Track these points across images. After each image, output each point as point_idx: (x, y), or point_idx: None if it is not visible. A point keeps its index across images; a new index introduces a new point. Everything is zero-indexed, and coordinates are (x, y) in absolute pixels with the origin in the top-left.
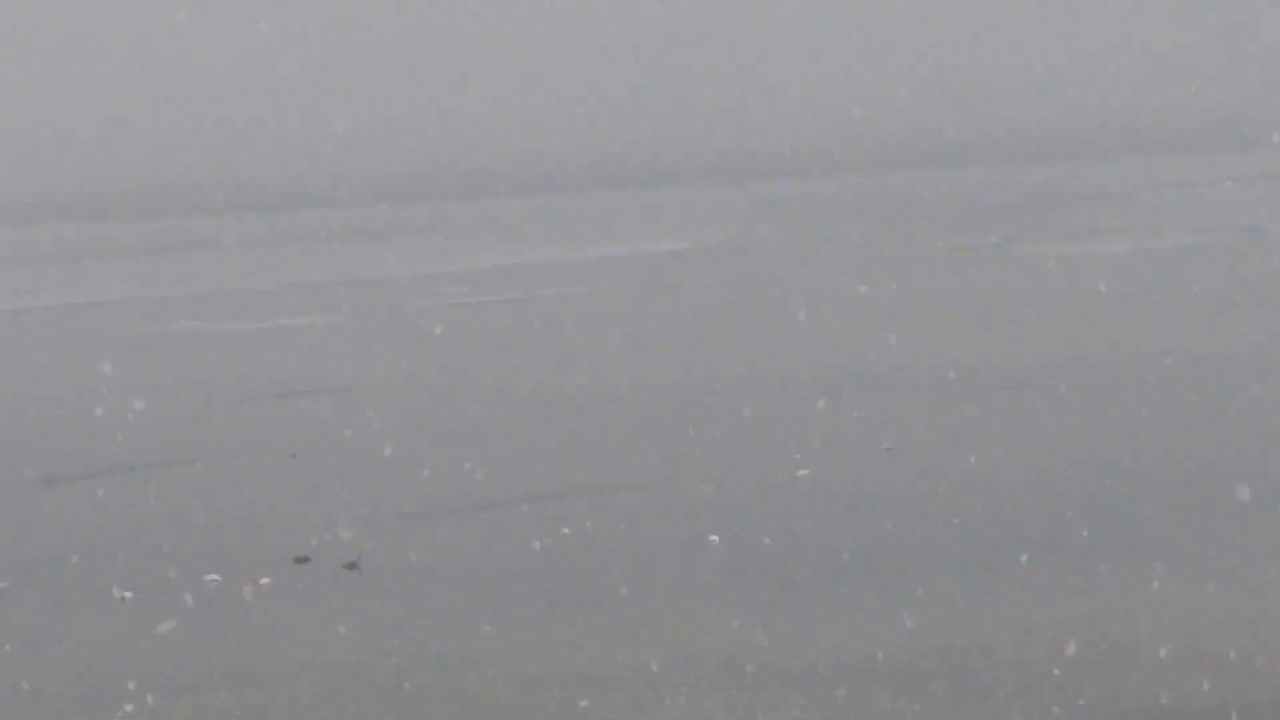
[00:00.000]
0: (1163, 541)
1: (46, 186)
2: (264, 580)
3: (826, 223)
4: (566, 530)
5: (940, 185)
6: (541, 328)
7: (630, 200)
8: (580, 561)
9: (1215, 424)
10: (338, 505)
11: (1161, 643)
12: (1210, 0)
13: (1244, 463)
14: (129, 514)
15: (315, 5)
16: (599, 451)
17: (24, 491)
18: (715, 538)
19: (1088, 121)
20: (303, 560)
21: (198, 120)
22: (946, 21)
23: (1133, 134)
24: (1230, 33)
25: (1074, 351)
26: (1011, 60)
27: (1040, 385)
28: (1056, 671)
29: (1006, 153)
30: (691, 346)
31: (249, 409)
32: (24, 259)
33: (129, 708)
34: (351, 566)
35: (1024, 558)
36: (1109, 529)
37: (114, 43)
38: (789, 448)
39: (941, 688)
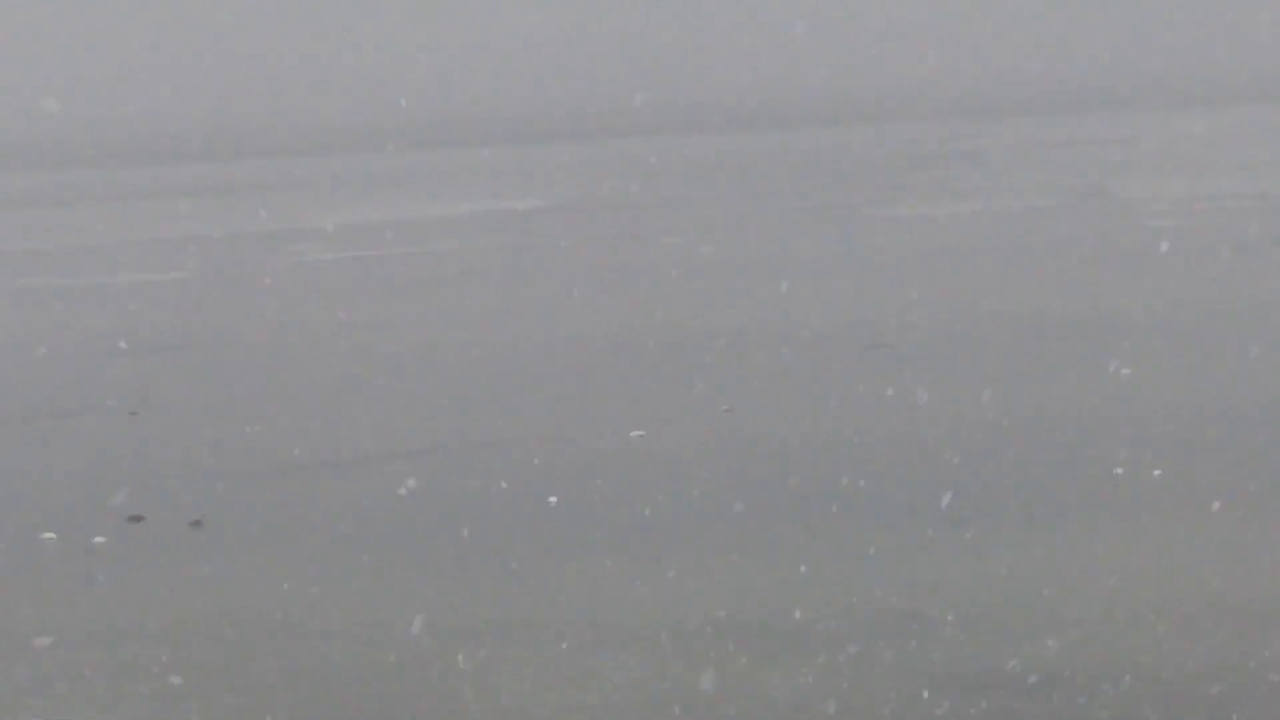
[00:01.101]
0: (1008, 500)
1: None
2: (99, 539)
3: (686, 181)
4: (403, 490)
5: (802, 145)
6: (390, 286)
7: (492, 157)
8: (419, 521)
9: (1067, 382)
10: (177, 463)
11: (998, 605)
12: None
13: (1096, 420)
14: None
15: None
16: (439, 411)
17: None
18: (554, 499)
19: (948, 83)
20: (136, 519)
21: (56, 74)
22: None
23: (987, 95)
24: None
25: (923, 311)
26: (877, 22)
27: (888, 346)
28: (894, 638)
29: (873, 113)
30: (539, 306)
31: (90, 365)
32: None
33: None
34: (196, 524)
35: (858, 521)
36: (954, 490)
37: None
38: (626, 409)
39: (775, 647)
